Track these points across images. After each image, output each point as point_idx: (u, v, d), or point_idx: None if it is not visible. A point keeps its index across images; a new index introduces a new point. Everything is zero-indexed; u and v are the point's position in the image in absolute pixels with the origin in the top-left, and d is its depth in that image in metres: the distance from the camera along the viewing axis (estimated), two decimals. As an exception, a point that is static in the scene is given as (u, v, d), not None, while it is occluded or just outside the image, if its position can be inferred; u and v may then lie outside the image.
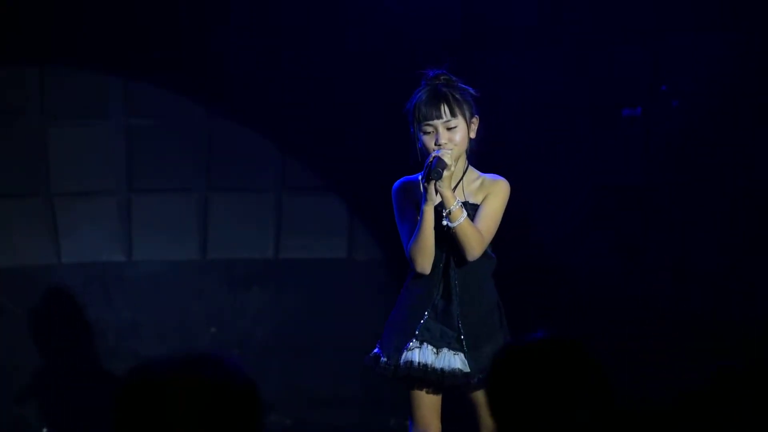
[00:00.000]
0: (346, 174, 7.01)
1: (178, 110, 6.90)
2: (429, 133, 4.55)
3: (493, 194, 4.61)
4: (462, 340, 4.62)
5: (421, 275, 4.63)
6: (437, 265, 4.62)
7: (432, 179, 4.43)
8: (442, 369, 4.59)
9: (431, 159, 4.46)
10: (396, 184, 4.73)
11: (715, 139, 6.12)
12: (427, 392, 4.64)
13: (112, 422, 2.26)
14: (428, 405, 4.64)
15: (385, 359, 4.66)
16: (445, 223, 4.50)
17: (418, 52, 6.65)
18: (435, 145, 4.52)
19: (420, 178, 4.50)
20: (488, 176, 4.66)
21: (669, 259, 6.28)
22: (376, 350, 4.75)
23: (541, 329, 2.53)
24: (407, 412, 4.74)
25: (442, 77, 4.64)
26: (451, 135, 4.54)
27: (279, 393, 6.76)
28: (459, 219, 4.49)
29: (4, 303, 6.70)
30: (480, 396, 4.63)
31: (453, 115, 4.55)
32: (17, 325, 6.70)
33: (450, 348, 4.62)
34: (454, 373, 4.59)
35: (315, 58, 6.87)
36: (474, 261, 4.58)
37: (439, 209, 4.55)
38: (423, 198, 4.49)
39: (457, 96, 4.58)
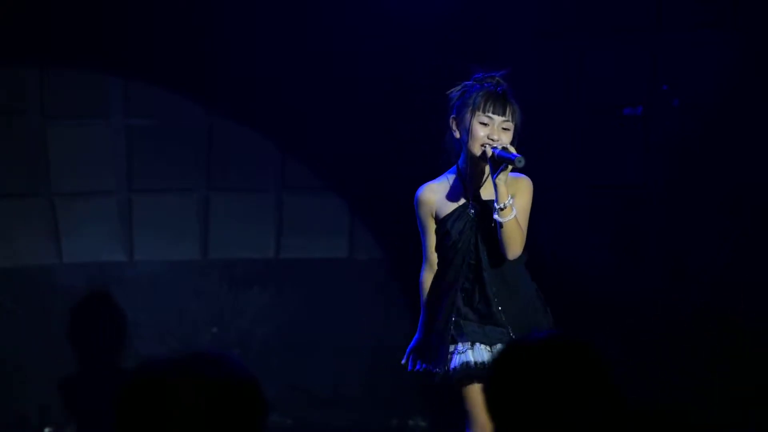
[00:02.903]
0: (346, 173, 7.01)
1: (179, 110, 6.90)
2: (486, 124, 4.64)
3: (521, 192, 4.69)
4: (511, 335, 4.68)
5: (446, 280, 4.67)
6: (469, 266, 4.69)
7: (508, 165, 4.52)
8: None
9: (502, 148, 4.56)
10: (419, 191, 4.79)
11: (714, 138, 6.13)
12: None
13: (114, 421, 2.26)
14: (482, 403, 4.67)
15: (439, 370, 4.70)
16: (495, 217, 4.58)
17: (416, 53, 6.66)
18: (488, 138, 4.62)
19: (495, 152, 4.56)
20: (510, 175, 4.71)
21: (668, 259, 6.28)
22: (423, 366, 4.77)
23: (538, 329, 2.52)
24: (427, 411, 4.76)
25: (497, 79, 4.73)
26: (502, 135, 4.64)
27: (279, 393, 6.76)
28: (510, 215, 4.57)
29: (5, 303, 6.70)
30: None
31: (511, 118, 4.66)
32: (17, 325, 6.70)
33: (503, 344, 4.67)
34: None
35: (314, 59, 6.87)
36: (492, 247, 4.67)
37: (482, 206, 4.67)
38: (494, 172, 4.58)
39: (515, 102, 4.70)
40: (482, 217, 4.68)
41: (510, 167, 4.54)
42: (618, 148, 6.37)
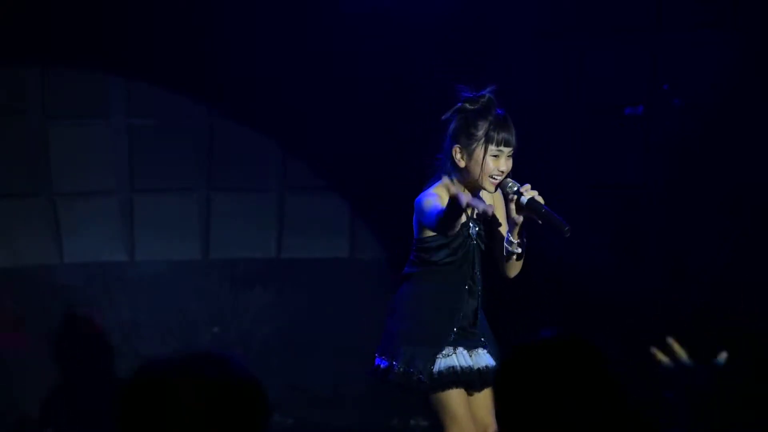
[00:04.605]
0: (347, 173, 7.02)
1: (179, 110, 6.91)
2: (497, 156, 4.58)
3: (503, 205, 4.69)
4: (482, 338, 4.71)
5: (443, 294, 4.66)
6: (468, 276, 4.68)
7: (528, 209, 4.51)
8: (486, 366, 4.67)
9: (528, 193, 4.53)
10: (421, 196, 4.62)
11: (714, 138, 6.13)
12: (465, 393, 4.67)
13: (116, 422, 2.26)
14: (466, 405, 4.66)
15: (420, 374, 4.61)
16: (511, 249, 4.59)
17: (416, 53, 6.67)
18: (499, 170, 4.57)
19: (517, 188, 4.54)
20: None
21: (668, 259, 6.28)
22: (397, 365, 4.67)
23: (545, 328, 2.52)
24: (430, 414, 4.76)
25: (492, 100, 4.61)
26: (509, 164, 4.61)
27: (280, 393, 6.76)
28: (523, 247, 4.60)
29: (5, 303, 6.71)
30: (484, 393, 4.67)
31: (515, 144, 4.62)
32: (18, 325, 6.70)
33: (481, 347, 4.69)
34: (490, 371, 4.65)
35: (315, 59, 6.87)
36: (483, 266, 4.71)
37: (478, 226, 4.67)
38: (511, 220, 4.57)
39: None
40: (479, 237, 4.69)
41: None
42: (618, 148, 6.38)
